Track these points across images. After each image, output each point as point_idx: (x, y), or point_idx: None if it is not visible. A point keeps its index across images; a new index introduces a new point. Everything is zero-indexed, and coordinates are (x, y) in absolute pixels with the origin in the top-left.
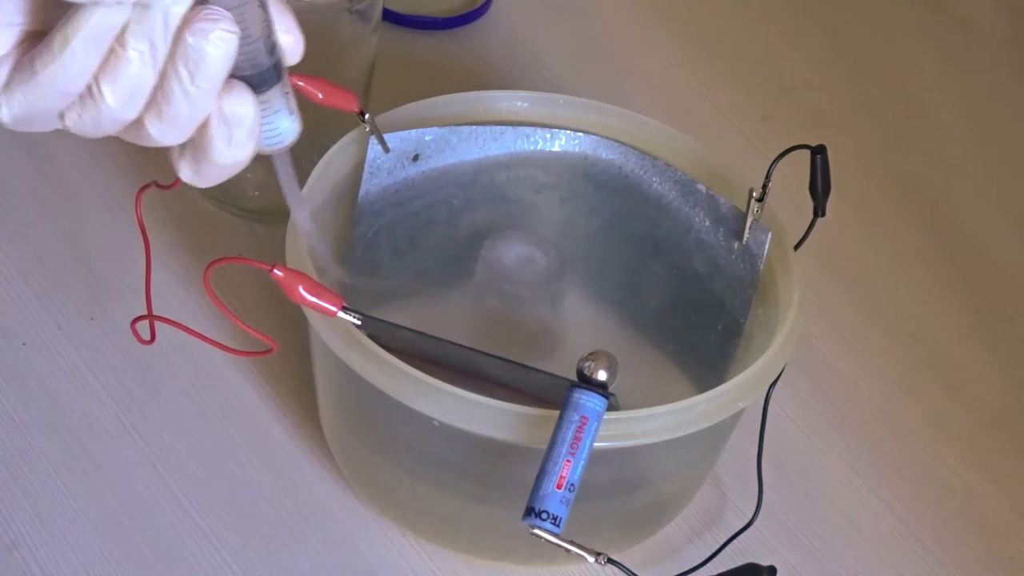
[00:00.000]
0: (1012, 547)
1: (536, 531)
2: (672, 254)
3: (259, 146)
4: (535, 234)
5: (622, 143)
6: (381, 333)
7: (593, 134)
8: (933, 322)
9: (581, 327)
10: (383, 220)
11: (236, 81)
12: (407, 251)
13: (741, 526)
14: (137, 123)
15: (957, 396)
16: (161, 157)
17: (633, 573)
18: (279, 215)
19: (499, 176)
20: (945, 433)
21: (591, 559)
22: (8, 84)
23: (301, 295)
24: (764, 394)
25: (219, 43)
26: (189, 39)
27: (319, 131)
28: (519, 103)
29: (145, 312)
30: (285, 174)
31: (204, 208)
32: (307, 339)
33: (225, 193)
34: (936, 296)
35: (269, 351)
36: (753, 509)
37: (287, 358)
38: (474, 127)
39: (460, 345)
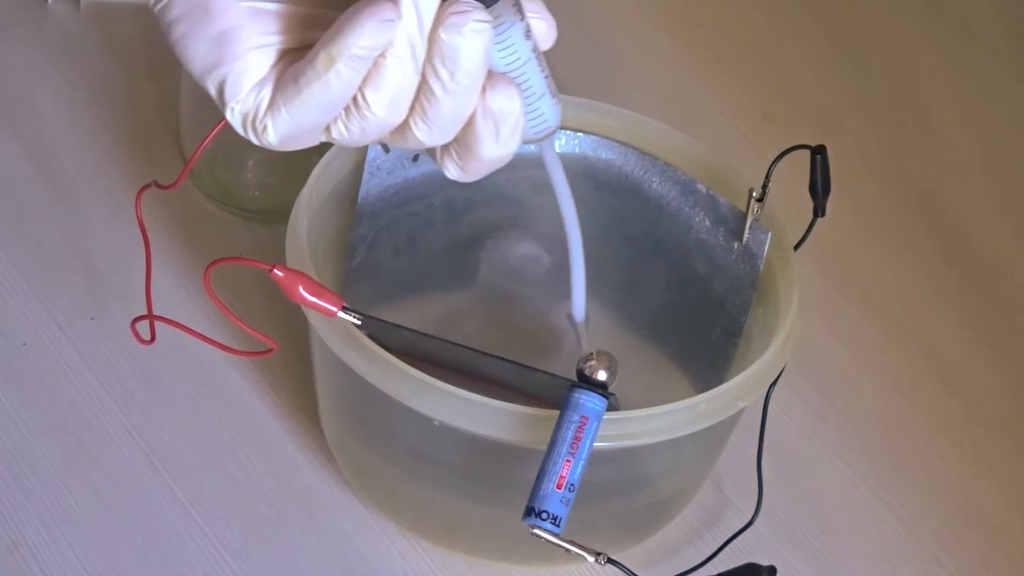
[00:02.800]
0: (1012, 547)
1: (536, 531)
2: (672, 254)
3: (524, 136)
4: (537, 234)
5: (622, 143)
6: (381, 333)
7: (593, 134)
8: (933, 322)
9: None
10: (384, 220)
11: (499, 75)
12: (408, 251)
13: (741, 526)
14: (403, 127)
15: (957, 396)
16: (161, 157)
17: (633, 573)
18: (279, 215)
19: (499, 176)
20: (945, 433)
21: (591, 559)
22: (272, 103)
23: (301, 295)
24: (764, 394)
25: (473, 36)
26: (443, 35)
27: None
28: None
29: (145, 312)
30: (552, 163)
31: (204, 208)
32: (307, 339)
33: (225, 193)
34: (936, 296)
35: (269, 351)
36: (753, 509)
37: (287, 358)
38: None
39: (460, 345)
